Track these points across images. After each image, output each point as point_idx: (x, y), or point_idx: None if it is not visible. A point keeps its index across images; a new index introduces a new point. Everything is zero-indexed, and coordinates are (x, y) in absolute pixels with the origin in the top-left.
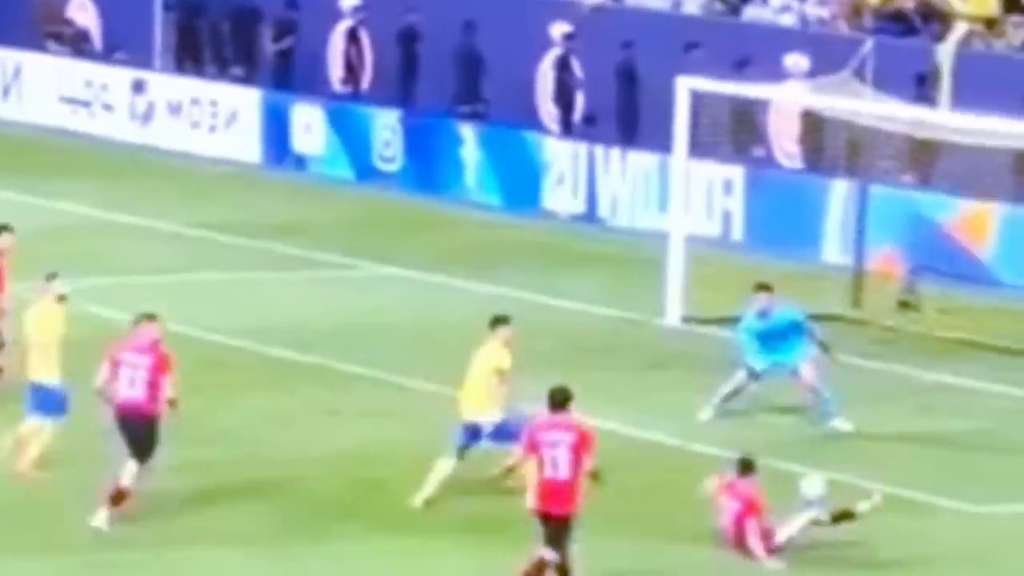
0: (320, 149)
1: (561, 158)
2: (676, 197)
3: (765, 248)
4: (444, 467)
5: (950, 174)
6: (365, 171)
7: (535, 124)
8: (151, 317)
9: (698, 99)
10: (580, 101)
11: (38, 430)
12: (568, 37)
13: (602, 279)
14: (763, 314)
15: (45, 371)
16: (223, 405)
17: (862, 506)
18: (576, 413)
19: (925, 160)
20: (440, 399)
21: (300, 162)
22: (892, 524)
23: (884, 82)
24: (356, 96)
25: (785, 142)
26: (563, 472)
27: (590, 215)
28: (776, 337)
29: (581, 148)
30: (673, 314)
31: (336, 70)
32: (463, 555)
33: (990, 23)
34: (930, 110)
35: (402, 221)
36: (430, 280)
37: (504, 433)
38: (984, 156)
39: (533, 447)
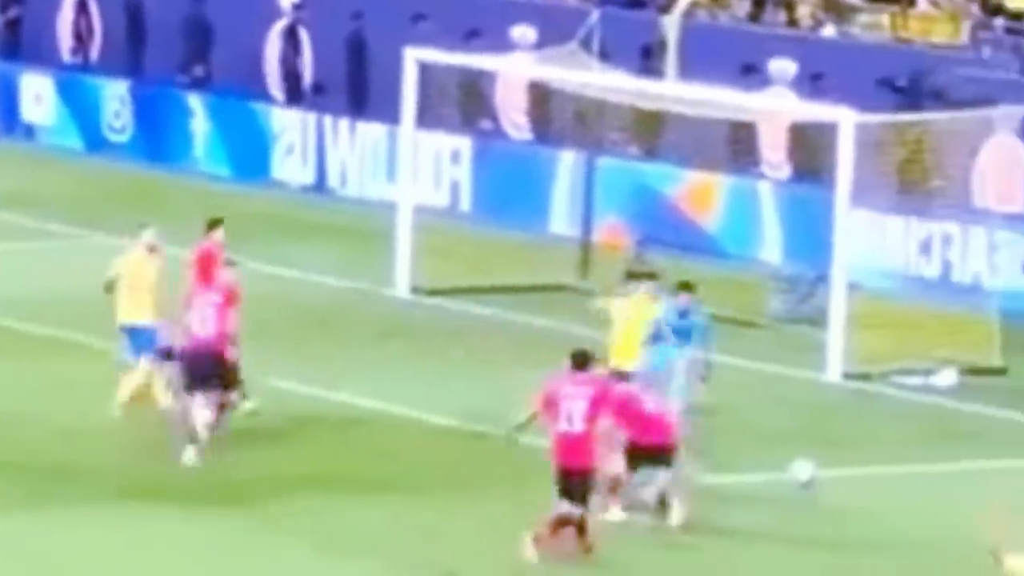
0: (50, 119)
1: (290, 129)
2: (404, 168)
3: (493, 218)
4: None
5: (676, 146)
6: (95, 141)
7: (264, 95)
8: (231, 263)
9: (426, 70)
10: (309, 71)
11: (146, 372)
12: (297, 7)
13: (332, 249)
14: (684, 314)
15: (137, 314)
16: None
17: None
18: (597, 373)
19: (652, 132)
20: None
21: (30, 132)
22: None
23: (611, 54)
24: (86, 66)
25: (513, 113)
26: (577, 425)
27: (319, 185)
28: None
29: (310, 118)
30: (402, 284)
31: (65, 40)
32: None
33: None
34: (656, 82)
35: (132, 192)
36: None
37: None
38: (709, 128)
39: (549, 403)
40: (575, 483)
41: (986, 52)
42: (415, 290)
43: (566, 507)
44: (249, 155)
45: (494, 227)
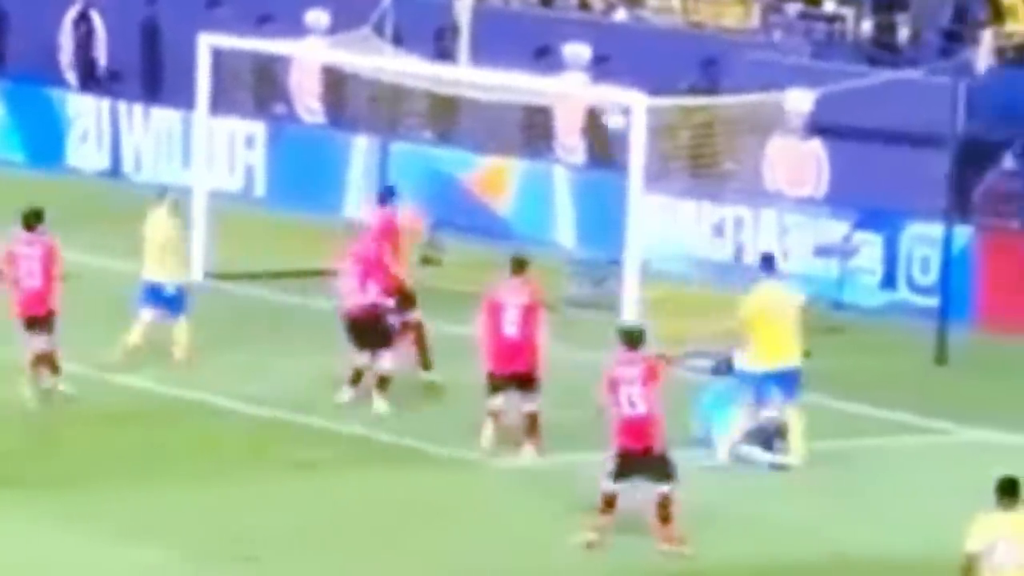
0: None
1: (85, 114)
2: (199, 153)
3: (287, 203)
4: (793, 419)
5: (471, 130)
6: None
7: (59, 80)
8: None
9: (220, 56)
10: (103, 57)
11: (149, 322)
12: None
13: (127, 235)
14: None
15: (157, 272)
16: None
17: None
18: (646, 351)
19: (446, 117)
20: None
21: None
22: (448, 479)
23: (404, 38)
24: None
25: (307, 98)
26: (640, 408)
27: (114, 171)
28: None
29: (104, 104)
30: (196, 269)
31: None
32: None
33: None
34: (449, 66)
35: None
36: None
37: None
38: (501, 112)
39: (612, 386)
40: (649, 464)
41: (777, 36)
42: (209, 275)
43: (613, 487)
44: (44, 141)
45: (289, 211)
